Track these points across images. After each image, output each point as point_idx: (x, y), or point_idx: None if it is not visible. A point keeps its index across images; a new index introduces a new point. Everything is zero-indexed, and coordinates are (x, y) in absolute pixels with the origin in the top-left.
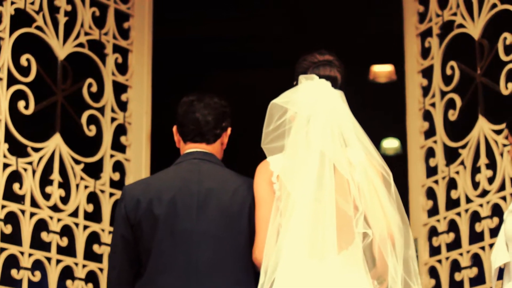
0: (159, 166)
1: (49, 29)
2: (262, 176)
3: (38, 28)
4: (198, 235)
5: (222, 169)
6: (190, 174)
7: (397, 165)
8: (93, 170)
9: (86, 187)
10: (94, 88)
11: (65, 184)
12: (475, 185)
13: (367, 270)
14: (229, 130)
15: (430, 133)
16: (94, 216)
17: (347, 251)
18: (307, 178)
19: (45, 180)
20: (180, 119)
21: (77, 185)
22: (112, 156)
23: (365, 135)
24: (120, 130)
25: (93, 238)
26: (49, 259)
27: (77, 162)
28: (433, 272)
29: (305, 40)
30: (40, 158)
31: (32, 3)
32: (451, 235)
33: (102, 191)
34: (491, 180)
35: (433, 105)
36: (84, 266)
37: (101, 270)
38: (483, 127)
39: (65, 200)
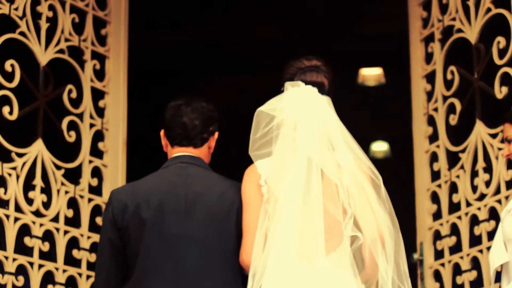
0: (136, 172)
1: (32, 35)
2: (250, 179)
3: (22, 34)
4: (186, 239)
5: (210, 173)
6: (178, 178)
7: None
8: (73, 176)
9: (66, 192)
10: (74, 94)
11: (46, 190)
12: (474, 188)
13: (356, 272)
14: (216, 134)
15: (434, 137)
16: (73, 221)
17: (335, 254)
18: (295, 183)
19: (27, 186)
20: (168, 123)
21: (58, 191)
22: (90, 162)
23: (352, 140)
24: (99, 136)
25: (73, 243)
26: (31, 264)
27: (58, 167)
28: (437, 276)
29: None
30: (24, 164)
31: (16, 9)
32: (453, 239)
33: (81, 197)
34: (488, 184)
35: (435, 109)
36: (64, 271)
37: (80, 275)
38: (480, 131)
39: (46, 205)
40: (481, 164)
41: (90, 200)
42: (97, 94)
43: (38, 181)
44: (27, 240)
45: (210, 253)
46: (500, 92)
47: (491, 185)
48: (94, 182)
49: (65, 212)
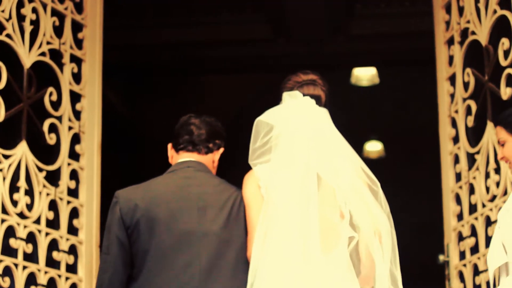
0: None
1: (17, 37)
2: (250, 182)
3: (8, 36)
4: (199, 236)
5: (215, 177)
6: (186, 180)
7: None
8: (52, 178)
9: (47, 194)
10: (54, 97)
11: (29, 191)
12: (488, 189)
13: (354, 274)
14: (221, 150)
15: (456, 139)
16: (53, 223)
17: (332, 256)
18: (291, 186)
19: (11, 187)
20: (176, 132)
21: (40, 193)
22: (69, 164)
23: (350, 148)
24: (77, 139)
25: (52, 245)
26: (16, 265)
27: (40, 169)
28: (462, 276)
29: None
30: (10, 165)
31: (3, 11)
32: (473, 240)
33: (61, 199)
34: (498, 185)
35: (456, 111)
36: (46, 272)
37: (59, 276)
38: (490, 132)
39: (29, 207)
40: (492, 165)
41: (68, 202)
42: (75, 97)
43: (22, 183)
44: (12, 242)
45: (222, 250)
46: (505, 93)
47: (500, 186)
48: (72, 184)
49: (47, 214)
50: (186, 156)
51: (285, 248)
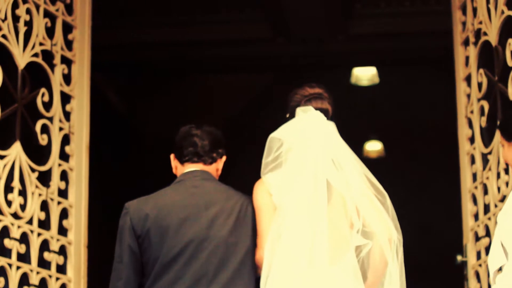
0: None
1: (12, 37)
2: (261, 189)
3: (3, 36)
4: (210, 243)
5: (222, 185)
6: (195, 189)
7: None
8: (43, 179)
9: (40, 195)
10: (46, 98)
11: (22, 192)
12: (498, 190)
13: (361, 281)
14: (224, 157)
15: (472, 140)
16: (44, 223)
17: (341, 264)
18: (302, 195)
19: (5, 188)
20: (178, 144)
21: (32, 193)
22: (60, 165)
23: (358, 160)
24: (67, 140)
25: (43, 245)
26: (10, 266)
27: (33, 170)
28: (479, 277)
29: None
30: (4, 166)
31: None
32: (488, 240)
33: (52, 199)
34: (507, 185)
35: (472, 112)
36: (37, 273)
37: (50, 276)
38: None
39: (22, 207)
40: (502, 165)
41: (59, 203)
42: (66, 98)
43: (16, 184)
44: (6, 242)
45: (231, 254)
46: None
47: (509, 187)
48: (62, 185)
49: (39, 215)
50: (191, 167)
51: (295, 256)
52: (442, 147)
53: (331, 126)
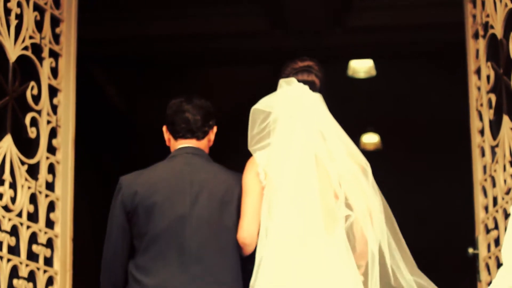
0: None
1: (4, 31)
2: (250, 169)
3: None
4: (191, 220)
5: (212, 163)
6: (184, 166)
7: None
8: (32, 171)
9: (29, 187)
10: (35, 91)
11: (12, 185)
12: (505, 182)
13: (351, 255)
14: (215, 128)
15: (482, 132)
16: (32, 216)
17: (331, 237)
18: (291, 169)
19: None
20: (171, 119)
21: (22, 186)
22: (47, 158)
23: (342, 131)
24: (54, 133)
25: (31, 238)
26: (1, 258)
27: (22, 163)
28: (489, 269)
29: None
30: None
31: None
32: (496, 232)
33: (40, 192)
34: None
35: (481, 105)
36: (27, 265)
37: (38, 269)
38: (506, 125)
39: (13, 200)
40: (508, 158)
41: (46, 195)
42: (53, 92)
43: (7, 176)
44: None
45: (214, 233)
46: None
47: None
48: (50, 178)
49: (28, 208)
50: (184, 143)
51: (287, 231)
52: (439, 139)
53: (316, 97)
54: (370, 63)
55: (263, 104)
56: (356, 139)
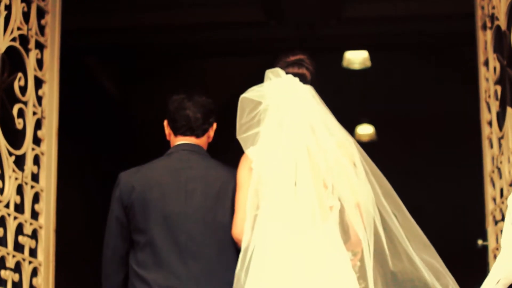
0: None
1: None
2: (243, 165)
3: None
4: (186, 217)
5: (208, 159)
6: (180, 163)
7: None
8: (18, 162)
9: (16, 178)
10: (22, 82)
11: (0, 176)
12: (510, 174)
13: (341, 243)
14: (215, 125)
15: (490, 124)
16: (18, 207)
17: (323, 226)
18: (283, 162)
19: None
20: (172, 115)
21: (10, 177)
22: (33, 149)
23: (334, 123)
24: (39, 124)
25: (18, 229)
26: None
27: (10, 154)
28: None
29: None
30: None
31: None
32: (503, 224)
33: (26, 183)
34: None
35: (489, 96)
36: (13, 256)
37: (24, 260)
38: (510, 117)
39: (1, 191)
40: (511, 150)
41: (32, 187)
42: (39, 83)
43: None
44: None
45: (210, 229)
46: None
47: None
48: (35, 169)
49: (15, 199)
50: (183, 140)
51: (279, 222)
52: (433, 130)
53: (307, 89)
54: (365, 54)
55: (252, 93)
56: (350, 130)
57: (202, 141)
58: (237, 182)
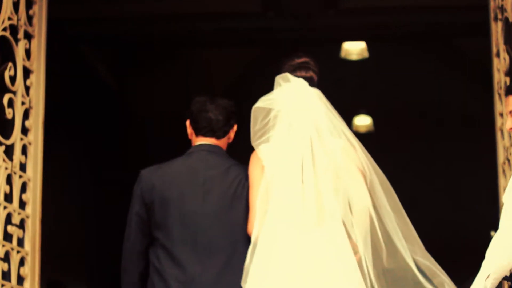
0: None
1: None
2: (255, 163)
3: None
4: (203, 216)
5: (226, 159)
6: (199, 162)
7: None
8: (7, 152)
9: (6, 168)
10: (12, 72)
11: None
12: None
13: (347, 242)
14: (235, 127)
15: (501, 115)
16: (7, 197)
17: (329, 225)
18: (290, 161)
19: None
20: (194, 116)
21: (0, 167)
22: (21, 139)
23: (342, 126)
24: (28, 114)
25: (7, 218)
26: None
27: (0, 143)
28: None
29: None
30: None
31: None
32: None
33: (15, 173)
34: None
35: (501, 88)
36: (3, 245)
37: (12, 249)
38: None
39: None
40: None
41: (20, 176)
42: (27, 73)
43: None
44: None
45: (226, 228)
46: None
47: None
48: (23, 159)
49: (4, 188)
50: (203, 141)
51: (287, 220)
52: (431, 121)
53: (315, 93)
54: (363, 45)
55: (263, 102)
56: (348, 121)
57: (222, 142)
58: (250, 181)
